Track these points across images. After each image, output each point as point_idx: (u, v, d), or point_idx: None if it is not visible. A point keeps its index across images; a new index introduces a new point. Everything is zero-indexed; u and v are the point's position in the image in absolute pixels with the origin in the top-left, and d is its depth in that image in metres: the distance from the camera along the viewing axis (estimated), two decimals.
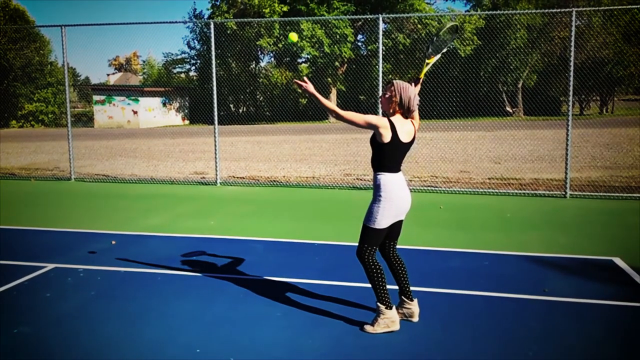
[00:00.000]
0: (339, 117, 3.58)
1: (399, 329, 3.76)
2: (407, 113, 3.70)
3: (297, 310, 4.15)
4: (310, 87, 3.63)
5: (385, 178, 3.67)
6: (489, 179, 10.56)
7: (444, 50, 4.13)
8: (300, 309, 4.18)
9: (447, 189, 9.56)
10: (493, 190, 9.27)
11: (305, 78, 3.66)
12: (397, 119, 3.68)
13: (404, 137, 3.66)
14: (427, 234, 6.48)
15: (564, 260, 5.41)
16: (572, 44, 8.78)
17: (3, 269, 5.19)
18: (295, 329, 3.83)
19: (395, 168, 3.70)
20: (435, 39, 4.16)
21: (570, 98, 8.92)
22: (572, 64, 8.75)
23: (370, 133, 3.72)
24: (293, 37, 4.15)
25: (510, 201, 8.46)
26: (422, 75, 4.02)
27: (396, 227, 3.85)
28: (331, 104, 3.63)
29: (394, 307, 3.78)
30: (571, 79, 8.79)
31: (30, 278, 4.92)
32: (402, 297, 3.95)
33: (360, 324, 3.86)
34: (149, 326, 3.91)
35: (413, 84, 3.92)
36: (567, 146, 8.81)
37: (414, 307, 3.93)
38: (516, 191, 9.18)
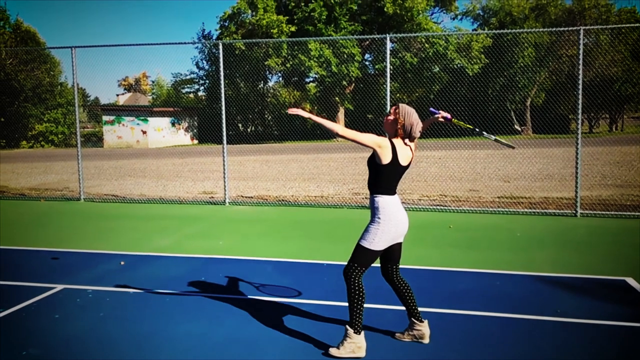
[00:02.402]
0: (344, 136, 3.57)
1: (364, 356, 3.67)
2: (408, 138, 3.71)
3: (305, 331, 4.12)
4: (301, 112, 3.61)
5: (383, 200, 3.67)
6: (499, 197, 10.50)
7: (480, 134, 4.18)
8: (309, 330, 4.14)
9: (457, 208, 9.52)
10: (503, 209, 9.21)
11: (296, 109, 3.65)
12: (398, 141, 3.69)
13: (403, 160, 3.68)
14: (437, 253, 6.43)
15: (575, 281, 5.34)
16: (580, 62, 8.79)
17: (13, 290, 5.20)
18: (304, 350, 3.79)
19: (392, 190, 3.71)
20: (487, 135, 4.16)
21: (580, 116, 8.90)
22: (580, 81, 8.75)
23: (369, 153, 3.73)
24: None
25: (520, 220, 8.40)
26: (454, 120, 4.05)
27: (396, 250, 3.82)
28: (333, 123, 3.62)
29: (362, 333, 3.70)
30: (580, 96, 8.78)
31: (39, 299, 4.92)
32: (412, 319, 3.90)
33: (370, 346, 3.81)
34: (158, 348, 3.88)
35: (442, 113, 3.94)
36: (577, 164, 8.76)
37: (424, 328, 3.89)
38: (526, 210, 9.12)
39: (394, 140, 3.67)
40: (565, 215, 8.77)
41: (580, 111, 8.89)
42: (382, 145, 3.60)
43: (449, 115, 3.98)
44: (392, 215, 3.64)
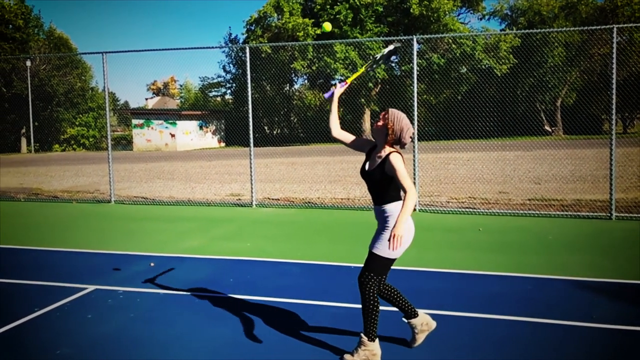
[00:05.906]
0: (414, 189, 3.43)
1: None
2: (398, 144, 3.61)
3: (334, 334, 4.09)
4: (397, 231, 3.28)
5: (399, 206, 3.56)
6: (529, 200, 10.31)
7: (375, 57, 4.07)
8: (338, 333, 4.11)
9: (486, 210, 9.37)
10: (533, 212, 9.03)
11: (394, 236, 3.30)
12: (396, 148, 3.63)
13: None
14: (466, 257, 6.33)
15: (611, 285, 5.20)
16: (614, 60, 8.57)
17: (47, 290, 5.30)
18: (333, 354, 3.76)
19: (400, 195, 3.61)
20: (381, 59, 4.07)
21: (614, 116, 8.68)
22: (614, 81, 8.53)
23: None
24: (327, 26, 4.22)
25: (552, 223, 8.22)
26: (349, 80, 3.94)
27: None
28: (408, 206, 3.30)
29: (376, 341, 3.62)
30: (614, 96, 8.56)
31: (72, 299, 5.01)
32: (409, 320, 3.79)
33: (396, 350, 3.77)
34: (187, 349, 3.90)
35: (334, 89, 3.83)
36: (611, 165, 8.54)
37: (424, 318, 3.80)
38: (558, 212, 8.92)
39: (398, 150, 3.60)
40: (600, 218, 8.55)
41: (614, 111, 8.67)
42: (404, 162, 3.54)
43: (342, 84, 3.87)
44: (408, 222, 3.53)
